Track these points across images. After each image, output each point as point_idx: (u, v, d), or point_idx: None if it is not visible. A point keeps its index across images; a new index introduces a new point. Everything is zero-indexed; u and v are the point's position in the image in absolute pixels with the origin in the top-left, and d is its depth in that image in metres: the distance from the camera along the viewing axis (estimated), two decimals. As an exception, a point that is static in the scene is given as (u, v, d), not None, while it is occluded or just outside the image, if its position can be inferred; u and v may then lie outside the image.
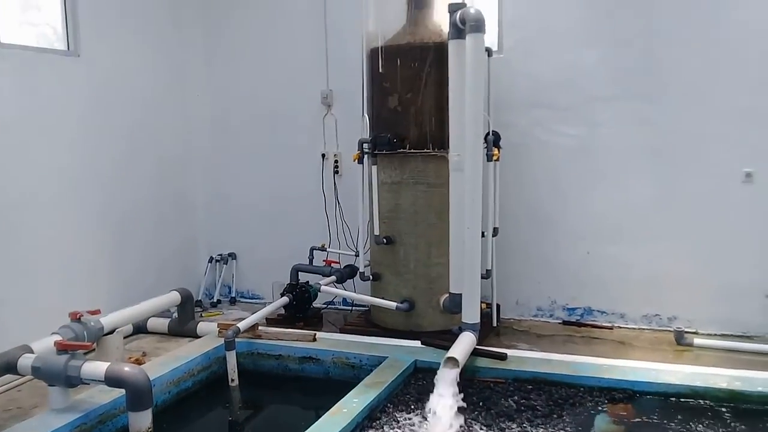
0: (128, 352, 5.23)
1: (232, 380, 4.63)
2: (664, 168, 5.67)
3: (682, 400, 4.04)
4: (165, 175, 6.82)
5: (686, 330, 5.50)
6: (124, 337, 5.41)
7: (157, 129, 6.71)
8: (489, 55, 5.59)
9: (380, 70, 5.49)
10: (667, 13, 5.54)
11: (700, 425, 3.73)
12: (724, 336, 5.50)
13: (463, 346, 4.35)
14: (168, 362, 4.58)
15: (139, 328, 5.84)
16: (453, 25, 4.60)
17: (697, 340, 5.34)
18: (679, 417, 3.82)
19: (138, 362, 4.82)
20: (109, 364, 3.68)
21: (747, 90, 5.37)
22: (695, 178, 5.58)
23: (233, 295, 7.17)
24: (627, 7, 5.66)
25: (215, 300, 7.07)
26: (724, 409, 3.91)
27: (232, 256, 7.23)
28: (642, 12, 5.61)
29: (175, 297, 5.53)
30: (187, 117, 7.07)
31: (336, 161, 6.68)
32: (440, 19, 5.47)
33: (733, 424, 3.74)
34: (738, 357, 5.03)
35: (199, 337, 5.39)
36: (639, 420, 3.83)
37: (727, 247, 5.54)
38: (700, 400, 4.02)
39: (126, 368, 3.63)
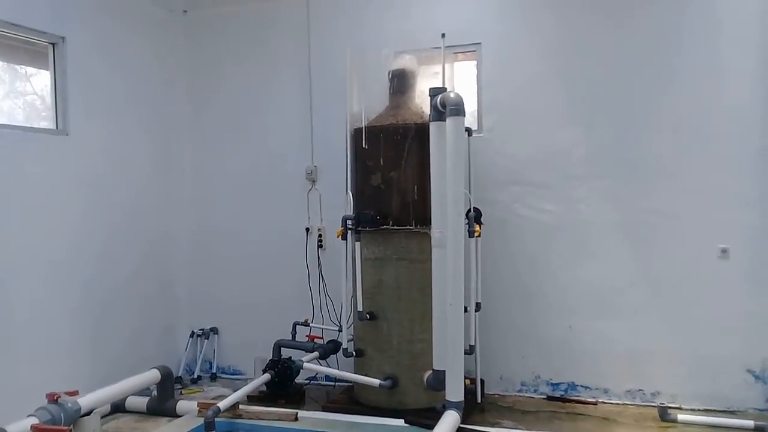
0: (105, 434, 5.11)
1: (212, 463, 4.53)
2: (642, 244, 5.78)
3: (667, 480, 4.03)
4: (149, 251, 6.82)
5: (670, 405, 5.50)
6: (102, 417, 5.29)
7: (143, 207, 6.73)
8: (469, 135, 5.75)
9: (364, 147, 5.63)
10: (638, 96, 5.77)
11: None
12: (707, 411, 5.49)
13: (447, 425, 4.33)
14: (146, 445, 4.49)
15: (118, 407, 5.69)
16: (434, 107, 4.79)
17: (681, 416, 5.32)
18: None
19: (115, 444, 4.72)
20: (86, 448, 3.61)
21: (717, 169, 5.56)
22: (672, 254, 5.69)
23: (214, 370, 7.07)
24: (601, 90, 5.89)
25: (196, 376, 6.96)
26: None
27: (214, 330, 7.17)
28: (615, 95, 5.84)
29: (154, 375, 5.44)
30: (173, 194, 7.12)
31: (320, 235, 6.74)
32: (421, 101, 5.66)
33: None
34: (722, 433, 5.03)
35: (179, 416, 5.29)
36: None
37: (707, 321, 5.60)
38: (686, 481, 4.00)
39: (103, 453, 3.55)
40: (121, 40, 6.48)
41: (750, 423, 5.08)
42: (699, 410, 5.53)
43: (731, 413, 5.45)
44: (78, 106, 5.93)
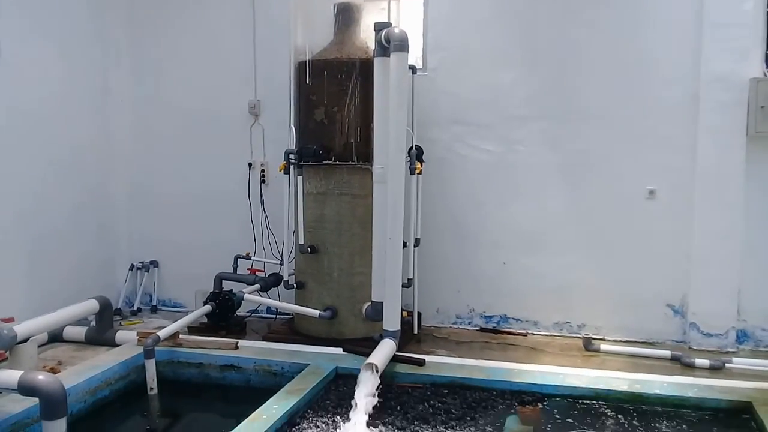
0: (43, 361, 5.09)
1: (151, 389, 4.61)
2: (575, 184, 5.99)
3: (586, 401, 4.31)
4: (86, 182, 6.67)
5: (594, 336, 5.85)
6: (39, 346, 5.28)
7: (79, 136, 6.55)
8: (413, 73, 5.81)
9: (307, 83, 5.60)
10: (576, 41, 5.88)
11: (601, 424, 4.00)
12: (628, 342, 5.84)
13: (383, 352, 4.49)
14: (84, 371, 4.51)
15: (55, 337, 5.69)
16: (378, 43, 4.77)
17: (604, 346, 5.66)
18: (583, 418, 4.08)
19: (53, 371, 4.71)
20: (22, 372, 3.60)
21: (648, 113, 5.76)
22: (603, 194, 5.92)
23: (154, 303, 7.07)
24: (540, 34, 5.97)
25: (135, 308, 6.94)
26: (623, 410, 4.19)
27: (154, 263, 7.13)
28: (554, 39, 5.94)
29: (92, 305, 5.43)
30: (110, 125, 6.95)
31: (263, 170, 6.71)
32: (366, 36, 5.64)
33: (630, 423, 4.02)
34: (640, 362, 5.36)
35: (118, 345, 5.32)
36: (546, 421, 4.06)
37: (632, 259, 5.90)
38: (603, 402, 4.29)
39: (40, 376, 3.56)
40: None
41: (667, 353, 5.44)
42: (621, 341, 5.88)
43: (650, 344, 5.81)
44: (12, 26, 5.67)
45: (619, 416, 4.11)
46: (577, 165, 5.97)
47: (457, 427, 3.91)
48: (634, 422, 4.03)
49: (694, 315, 5.73)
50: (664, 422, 4.03)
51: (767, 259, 5.60)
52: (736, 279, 5.63)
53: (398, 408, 4.16)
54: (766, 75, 5.42)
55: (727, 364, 5.14)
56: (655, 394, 4.30)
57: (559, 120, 5.98)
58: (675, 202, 5.78)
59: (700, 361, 5.17)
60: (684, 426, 3.99)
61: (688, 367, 5.15)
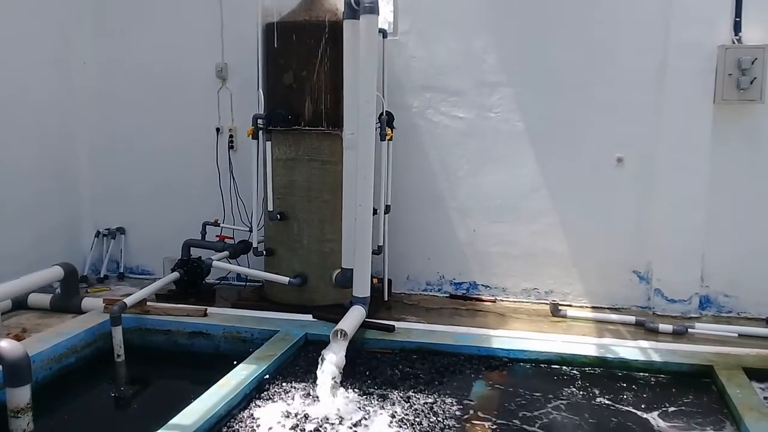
0: (7, 329, 5.00)
1: (118, 356, 4.58)
2: (544, 151, 5.99)
3: (552, 366, 4.39)
4: (47, 147, 6.49)
5: (561, 303, 5.92)
6: (3, 313, 5.19)
7: (39, 100, 6.35)
8: (384, 37, 5.73)
9: (276, 46, 5.49)
10: (549, 9, 5.83)
11: (565, 387, 4.07)
12: (594, 308, 5.94)
13: (353, 318, 4.50)
14: (49, 338, 4.46)
15: (19, 304, 5.57)
16: (347, 5, 4.69)
17: (570, 312, 5.74)
18: (549, 381, 4.15)
19: (17, 338, 4.63)
20: (-16, 339, 3.55)
21: (619, 81, 5.74)
22: (572, 162, 5.93)
23: (121, 270, 6.97)
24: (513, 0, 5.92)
25: (102, 275, 6.84)
26: (589, 374, 4.28)
27: (121, 230, 7.01)
28: (525, 4, 5.88)
29: (57, 272, 5.34)
30: (72, 88, 6.73)
31: (231, 136, 6.59)
32: (336, -1, 5.53)
33: (594, 386, 4.11)
34: (606, 327, 5.43)
35: (84, 313, 5.25)
36: (512, 385, 4.12)
37: (599, 226, 5.94)
38: (569, 366, 4.37)
39: (3, 343, 3.51)
40: None
41: (632, 318, 5.53)
42: (587, 307, 5.97)
43: (616, 310, 5.91)
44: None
45: (584, 380, 4.19)
46: (546, 132, 5.96)
47: (426, 392, 3.95)
48: (598, 386, 4.11)
49: (658, 281, 5.82)
50: (628, 386, 4.12)
51: (731, 226, 5.70)
52: (700, 246, 5.72)
53: (367, 373, 4.19)
54: (734, 43, 5.44)
55: (689, 330, 5.25)
56: (620, 359, 4.40)
57: (531, 87, 5.94)
58: (642, 169, 5.82)
59: (663, 327, 5.27)
60: (647, 389, 4.08)
61: (652, 332, 5.24)
